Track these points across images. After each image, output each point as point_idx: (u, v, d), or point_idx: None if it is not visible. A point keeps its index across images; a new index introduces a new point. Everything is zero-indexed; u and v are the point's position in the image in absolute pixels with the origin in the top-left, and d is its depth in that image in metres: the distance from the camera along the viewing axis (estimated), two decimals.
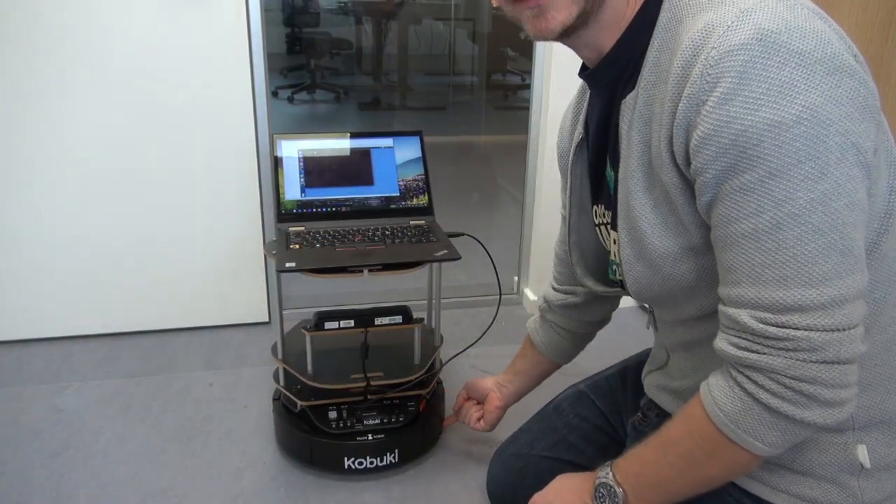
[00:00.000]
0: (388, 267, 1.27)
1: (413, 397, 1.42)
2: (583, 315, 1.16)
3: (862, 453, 0.75)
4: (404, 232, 1.38)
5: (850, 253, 0.63)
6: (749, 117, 0.61)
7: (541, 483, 0.90)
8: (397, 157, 1.48)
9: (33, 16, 1.64)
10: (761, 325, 0.65)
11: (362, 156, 1.47)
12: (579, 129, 0.92)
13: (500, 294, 2.23)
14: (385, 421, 1.38)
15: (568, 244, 1.01)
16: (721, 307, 0.70)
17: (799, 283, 0.63)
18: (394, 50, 4.34)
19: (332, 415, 1.37)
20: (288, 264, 1.23)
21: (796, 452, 0.76)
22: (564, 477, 0.89)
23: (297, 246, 1.31)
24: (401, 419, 1.39)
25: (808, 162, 0.60)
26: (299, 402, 1.38)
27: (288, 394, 1.41)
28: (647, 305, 0.98)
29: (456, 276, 2.24)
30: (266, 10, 1.77)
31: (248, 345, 1.92)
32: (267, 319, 2.04)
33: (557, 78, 1.93)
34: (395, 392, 1.39)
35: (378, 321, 1.41)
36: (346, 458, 1.37)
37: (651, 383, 0.99)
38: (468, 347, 1.55)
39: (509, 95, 4.50)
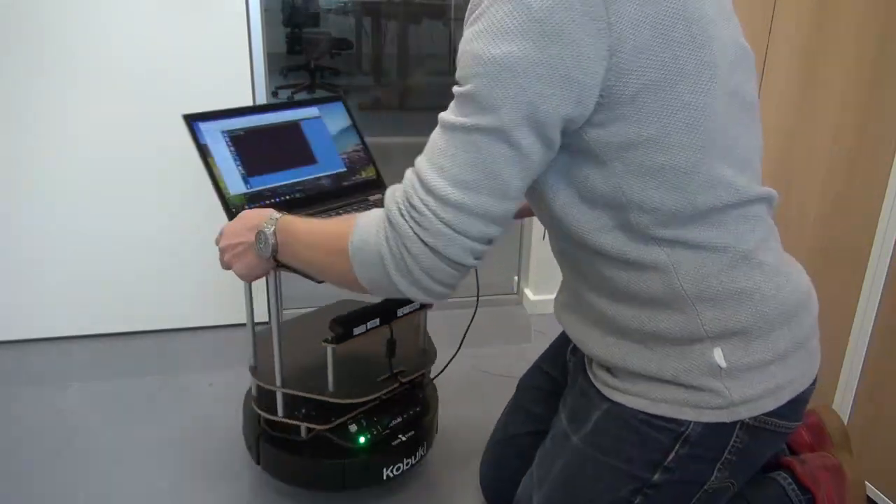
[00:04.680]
0: None
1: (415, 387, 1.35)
2: None
3: (718, 354, 0.81)
4: (368, 209, 1.29)
5: (497, 186, 0.74)
6: (471, 44, 0.72)
7: (524, 461, 0.92)
8: (329, 128, 1.38)
9: (32, 18, 1.64)
10: (410, 190, 0.77)
11: (294, 130, 1.35)
12: None
13: (500, 294, 2.23)
14: (405, 415, 1.29)
15: None
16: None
17: (447, 179, 0.74)
18: (394, 50, 4.34)
19: (353, 428, 1.26)
20: None
21: (659, 363, 0.83)
22: (251, 211, 1.02)
23: None
24: (417, 408, 1.31)
25: (484, 99, 0.71)
26: (317, 427, 1.23)
27: (295, 422, 1.24)
28: None
29: None
30: (266, 10, 1.77)
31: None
32: (267, 319, 2.04)
33: None
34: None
35: (400, 312, 1.29)
36: (384, 469, 1.25)
37: (555, 306, 1.04)
38: (466, 348, 1.55)
39: None
